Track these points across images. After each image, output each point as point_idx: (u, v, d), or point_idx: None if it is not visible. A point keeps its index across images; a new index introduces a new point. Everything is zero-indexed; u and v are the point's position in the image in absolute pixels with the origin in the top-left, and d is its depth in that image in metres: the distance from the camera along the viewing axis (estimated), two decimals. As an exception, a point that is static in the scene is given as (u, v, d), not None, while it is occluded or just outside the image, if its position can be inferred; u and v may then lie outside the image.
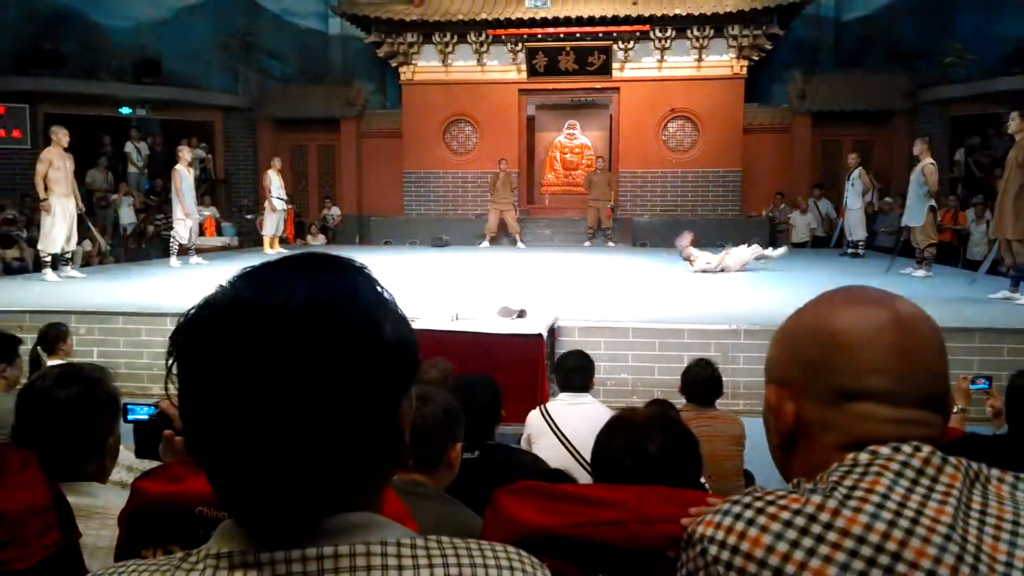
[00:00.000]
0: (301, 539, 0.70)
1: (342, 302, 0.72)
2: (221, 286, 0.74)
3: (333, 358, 0.69)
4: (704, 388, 4.08)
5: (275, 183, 13.48)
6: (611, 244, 15.51)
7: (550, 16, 15.41)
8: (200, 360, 0.70)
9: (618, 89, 16.13)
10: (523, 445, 3.86)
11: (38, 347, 5.19)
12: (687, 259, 10.83)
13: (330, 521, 0.71)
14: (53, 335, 5.25)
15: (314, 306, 0.70)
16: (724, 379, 6.43)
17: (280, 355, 0.68)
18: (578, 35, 15.55)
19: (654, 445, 1.65)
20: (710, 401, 4.11)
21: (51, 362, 4.76)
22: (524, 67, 16.04)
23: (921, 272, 10.22)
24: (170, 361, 0.73)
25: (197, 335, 0.71)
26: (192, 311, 0.74)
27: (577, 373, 4.04)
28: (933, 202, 10.27)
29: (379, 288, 0.77)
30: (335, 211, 17.03)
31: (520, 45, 15.88)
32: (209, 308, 0.73)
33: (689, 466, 1.69)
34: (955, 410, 3.72)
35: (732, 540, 0.84)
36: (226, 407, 0.69)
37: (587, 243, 15.64)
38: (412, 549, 0.72)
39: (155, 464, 1.52)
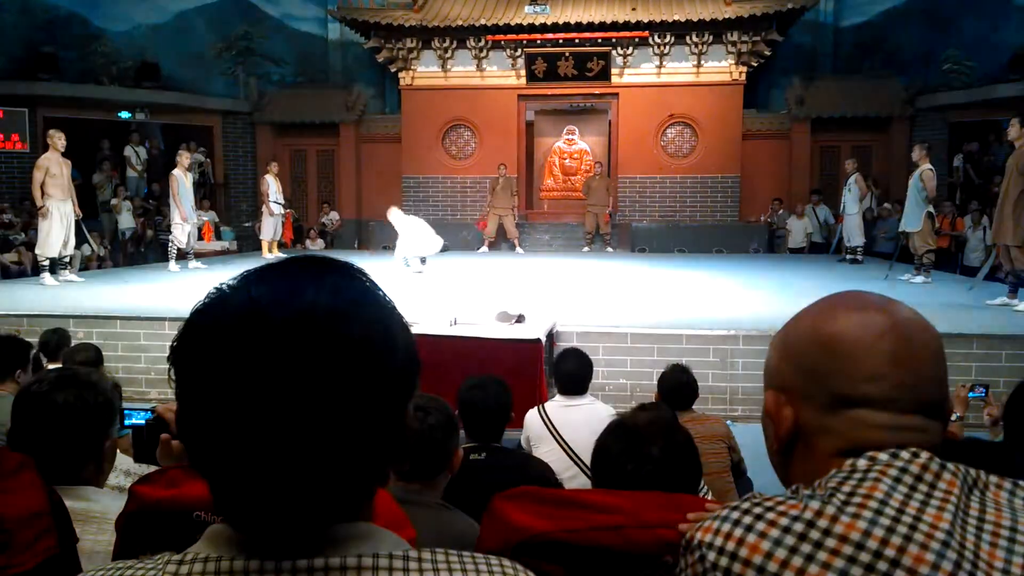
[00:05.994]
0: (301, 550, 0.69)
1: (361, 307, 0.71)
2: (225, 289, 0.71)
3: (354, 365, 0.68)
4: (681, 392, 4.10)
5: (272, 187, 13.48)
6: (610, 250, 15.50)
7: (549, 22, 15.42)
8: (212, 366, 0.67)
9: (617, 95, 16.14)
10: (523, 447, 3.86)
11: (40, 352, 5.16)
12: None
13: (330, 532, 0.70)
14: (55, 341, 5.20)
15: (335, 312, 0.68)
16: (723, 385, 6.52)
17: (301, 363, 0.66)
18: (577, 41, 15.55)
19: (656, 450, 1.63)
20: (688, 404, 4.12)
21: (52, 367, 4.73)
22: (523, 72, 16.05)
23: (920, 278, 10.22)
24: (171, 366, 0.70)
25: (208, 340, 0.68)
26: (197, 315, 0.70)
27: (575, 375, 4.04)
28: (931, 208, 10.28)
29: (381, 292, 0.75)
30: (334, 215, 17.03)
31: (519, 51, 15.89)
32: (218, 312, 0.70)
33: (689, 472, 1.68)
34: (952, 418, 3.71)
35: (731, 546, 0.84)
36: (236, 415, 0.66)
37: (586, 248, 15.63)
38: (405, 561, 0.71)
39: (153, 469, 1.51)
